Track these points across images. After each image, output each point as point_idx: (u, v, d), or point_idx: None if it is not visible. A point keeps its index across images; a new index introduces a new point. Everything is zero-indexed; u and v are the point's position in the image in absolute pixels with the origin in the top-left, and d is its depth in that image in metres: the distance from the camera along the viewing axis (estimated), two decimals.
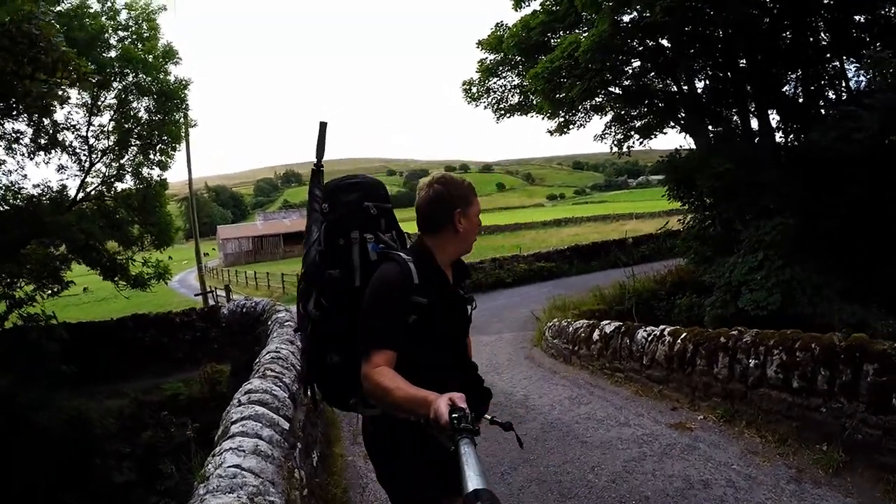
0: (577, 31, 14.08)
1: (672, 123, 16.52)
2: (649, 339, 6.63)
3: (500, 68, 17.28)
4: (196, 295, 21.17)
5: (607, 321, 8.04)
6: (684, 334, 6.08)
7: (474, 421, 1.68)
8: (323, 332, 2.29)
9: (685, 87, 15.36)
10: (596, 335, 7.89)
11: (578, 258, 23.59)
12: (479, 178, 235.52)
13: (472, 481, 1.43)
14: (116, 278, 15.90)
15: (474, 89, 17.99)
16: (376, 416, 2.29)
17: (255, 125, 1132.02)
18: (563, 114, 15.33)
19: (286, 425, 3.60)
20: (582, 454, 5.03)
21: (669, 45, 14.15)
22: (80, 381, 12.93)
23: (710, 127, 15.45)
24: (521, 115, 18.40)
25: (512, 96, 18.07)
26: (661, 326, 6.75)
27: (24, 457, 10.35)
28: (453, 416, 1.66)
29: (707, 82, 15.20)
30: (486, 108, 18.40)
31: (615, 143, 17.53)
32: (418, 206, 2.35)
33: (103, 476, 10.41)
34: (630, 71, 15.22)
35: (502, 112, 18.35)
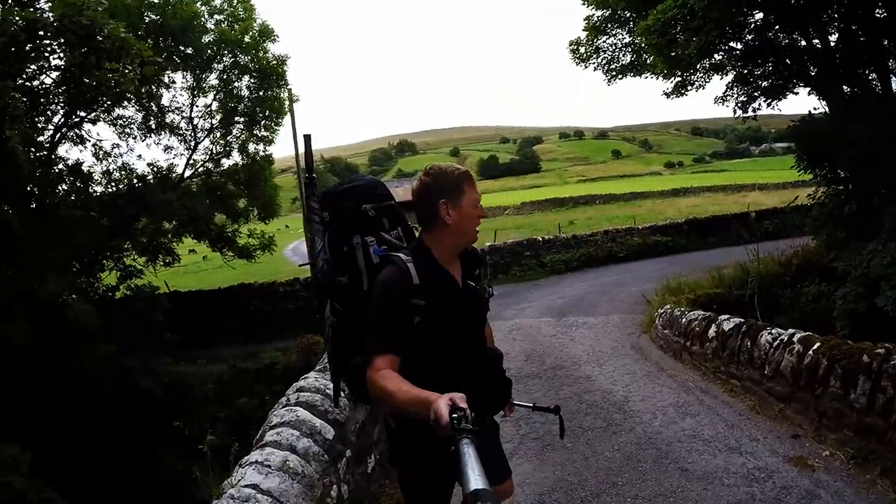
0: None
1: (802, 84, 14.47)
2: (775, 344, 5.57)
3: (609, 25, 15.96)
4: (300, 265, 21.45)
5: (726, 316, 7.00)
6: (817, 344, 4.99)
7: (475, 421, 1.64)
8: (342, 335, 2.31)
9: (816, 42, 13.45)
10: (712, 331, 6.90)
11: (696, 233, 22.30)
12: (595, 144, 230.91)
13: (473, 481, 1.40)
14: (224, 249, 16.36)
15: (582, 49, 16.72)
16: (391, 415, 2.31)
17: (368, 96, 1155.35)
18: (679, 73, 13.82)
19: (331, 433, 3.24)
20: (680, 486, 4.24)
21: None
22: (185, 346, 13.48)
23: (845, 88, 13.53)
24: (633, 76, 16.98)
25: (623, 56, 16.69)
26: (791, 330, 5.64)
27: (129, 417, 10.80)
28: (453, 416, 1.64)
29: (840, 36, 13.20)
30: (595, 69, 17.11)
31: (738, 105, 15.53)
32: (412, 200, 2.33)
33: (199, 438, 10.72)
34: (753, 24, 13.52)
35: (613, 73, 17.01)
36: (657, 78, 16.29)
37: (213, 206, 16.81)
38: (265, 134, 17.21)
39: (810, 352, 4.99)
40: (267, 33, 16.41)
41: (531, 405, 2.57)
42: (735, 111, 15.39)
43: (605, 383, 7.05)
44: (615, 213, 45.32)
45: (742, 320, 6.56)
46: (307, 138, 2.68)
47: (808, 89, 14.38)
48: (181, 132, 16.68)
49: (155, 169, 16.23)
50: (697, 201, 49.21)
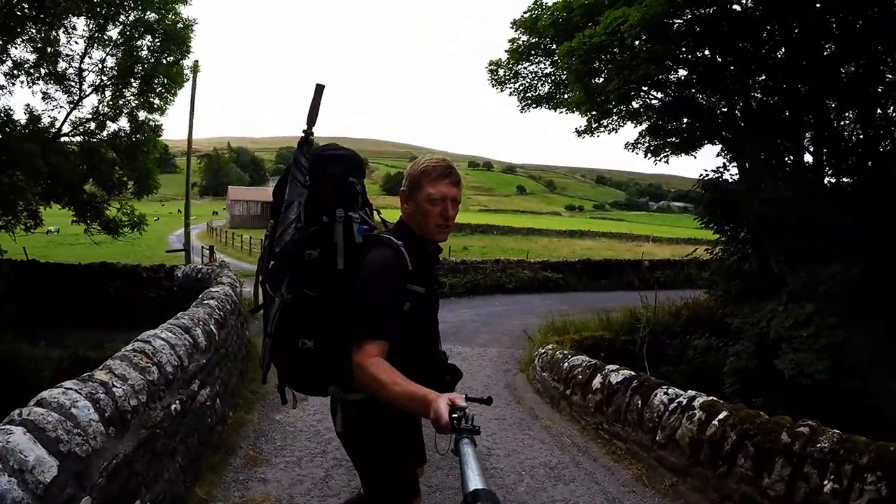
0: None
1: (712, 142, 14.79)
2: (671, 407, 4.94)
3: (533, 53, 15.74)
4: (168, 251, 19.91)
5: (614, 367, 6.38)
6: (724, 413, 4.40)
7: (474, 421, 1.66)
8: (296, 316, 2.15)
9: (737, 105, 13.79)
10: (597, 382, 6.22)
11: (588, 274, 22.30)
12: (502, 178, 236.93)
13: (473, 481, 1.40)
14: (89, 220, 14.80)
15: (501, 72, 16.38)
16: (359, 401, 2.19)
17: (282, 92, 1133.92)
18: (595, 108, 13.50)
19: (53, 471, 2.14)
20: None
21: (721, 59, 12.70)
22: (29, 322, 11.95)
23: (760, 153, 13.52)
24: (549, 108, 16.82)
25: (542, 85, 16.52)
26: (690, 393, 5.04)
27: None
28: (453, 416, 1.65)
29: (758, 104, 13.41)
30: (511, 94, 16.87)
31: (648, 151, 16.01)
32: None
33: None
34: (676, 79, 13.78)
35: (529, 102, 16.79)
36: (572, 112, 16.29)
37: (88, 172, 15.21)
38: (158, 103, 15.76)
39: (715, 421, 4.41)
40: None
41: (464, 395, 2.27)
42: (646, 155, 15.77)
43: None
44: (511, 245, 45.80)
45: (633, 374, 5.94)
46: (320, 88, 2.37)
47: (718, 147, 14.47)
48: (68, 82, 15.02)
49: (29, 116, 14.59)
50: (592, 245, 50.59)
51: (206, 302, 5.47)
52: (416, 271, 2.14)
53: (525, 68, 16.22)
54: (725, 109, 14.01)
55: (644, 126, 15.52)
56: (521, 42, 15.60)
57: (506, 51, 15.93)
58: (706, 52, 12.57)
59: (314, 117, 2.36)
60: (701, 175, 13.61)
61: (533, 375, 8.40)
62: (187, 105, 19.66)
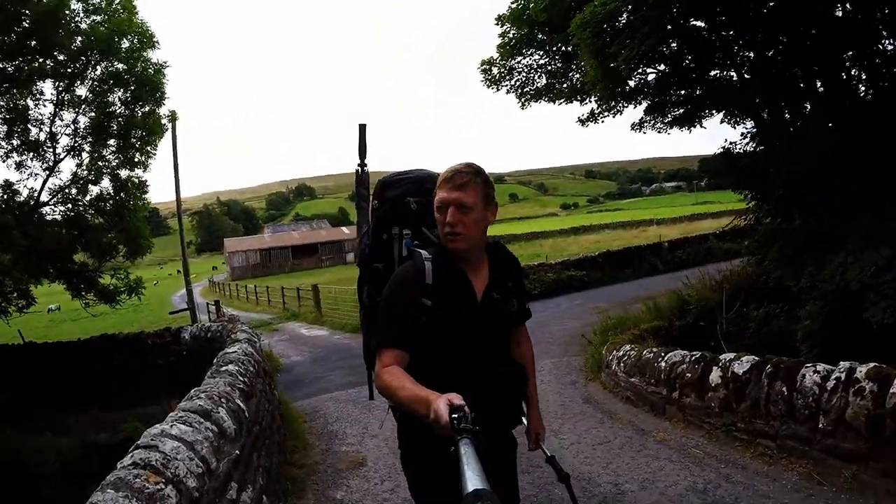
0: None
1: (716, 111, 14.34)
2: (828, 385, 4.06)
3: (525, 47, 14.84)
4: (171, 313, 18.74)
5: (730, 355, 5.43)
6: None
7: (475, 421, 1.61)
8: (373, 320, 2.32)
9: (741, 67, 12.93)
10: (716, 377, 5.29)
11: (610, 266, 21.37)
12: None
13: (472, 481, 1.36)
14: (83, 292, 13.76)
15: (495, 70, 15.41)
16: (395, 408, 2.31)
17: (265, 139, 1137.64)
18: (611, 84, 12.53)
19: None
20: None
21: (706, 26, 12.00)
22: (28, 411, 10.92)
23: (764, 114, 13.05)
24: (548, 100, 15.88)
25: (539, 77, 15.51)
26: (843, 364, 4.16)
27: None
28: (453, 416, 1.63)
29: (761, 62, 12.45)
30: (508, 91, 15.83)
31: (657, 131, 15.44)
32: None
33: None
34: (667, 52, 12.72)
35: (528, 97, 15.80)
36: (570, 102, 15.66)
37: (75, 240, 14.19)
38: (140, 158, 14.78)
39: (893, 389, 3.54)
40: (147, 39, 14.14)
41: (547, 454, 2.32)
42: (657, 129, 15.28)
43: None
44: (518, 252, 44.58)
45: (757, 358, 5.01)
46: (362, 127, 2.81)
47: (721, 115, 14.30)
48: (41, 149, 14.09)
49: (4, 188, 13.65)
50: (599, 238, 50.03)
51: (224, 368, 4.46)
52: (438, 284, 2.15)
53: (519, 62, 15.26)
54: (728, 75, 13.26)
55: (645, 104, 14.64)
56: (511, 35, 14.65)
57: (497, 46, 14.98)
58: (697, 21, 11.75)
59: (363, 152, 2.78)
60: (723, 146, 13.02)
61: (612, 383, 7.45)
62: (170, 163, 18.76)
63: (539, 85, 15.58)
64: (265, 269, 70.49)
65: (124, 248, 14.44)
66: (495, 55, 15.17)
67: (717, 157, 13.15)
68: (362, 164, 2.82)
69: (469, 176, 2.17)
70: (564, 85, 15.38)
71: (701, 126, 15.02)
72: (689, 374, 5.70)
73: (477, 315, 2.21)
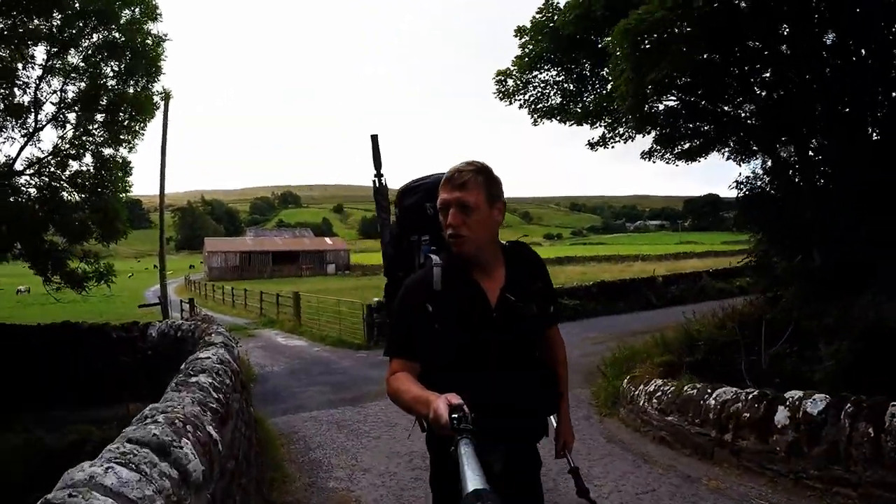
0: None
1: (724, 146, 14.10)
2: None
3: (542, 62, 14.19)
4: (141, 307, 17.55)
5: (798, 393, 4.78)
6: None
7: (475, 421, 1.58)
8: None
9: (746, 104, 12.85)
10: (782, 417, 4.65)
11: (605, 297, 20.81)
12: None
13: (472, 481, 1.34)
14: (50, 273, 12.67)
15: (510, 82, 14.71)
16: None
17: (254, 143, 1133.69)
18: (639, 106, 11.82)
19: None
20: None
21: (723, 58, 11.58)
22: None
23: (782, 150, 12.80)
24: (559, 121, 15.22)
25: (554, 95, 14.85)
26: None
27: None
28: (453, 416, 1.60)
29: (768, 102, 12.40)
30: (521, 106, 15.11)
31: (665, 161, 15.22)
32: None
33: None
34: (680, 84, 12.27)
35: (540, 113, 15.11)
36: (580, 125, 15.22)
37: (47, 217, 13.04)
38: (126, 137, 13.73)
39: None
40: (150, 10, 13.14)
41: (573, 465, 2.41)
42: (667, 161, 15.18)
43: None
44: None
45: (835, 397, 4.45)
46: (374, 137, 2.80)
47: (725, 151, 14.15)
48: (24, 114, 13.00)
49: None
50: (585, 269, 49.47)
51: (194, 380, 3.46)
52: (447, 290, 2.08)
53: (535, 77, 14.61)
54: (732, 111, 13.13)
55: (653, 134, 14.31)
56: (530, 48, 14.00)
57: (515, 58, 14.31)
58: (710, 54, 11.35)
59: (378, 163, 2.81)
60: (736, 183, 12.92)
61: (639, 420, 6.76)
62: (159, 156, 17.78)
63: (553, 103, 14.96)
64: (244, 273, 68.98)
65: (98, 231, 13.26)
66: (511, 67, 14.46)
67: (742, 198, 12.80)
68: (378, 175, 2.80)
69: (470, 174, 2.08)
70: (578, 107, 14.84)
71: (705, 159, 14.90)
72: (746, 414, 5.06)
73: (491, 320, 2.10)
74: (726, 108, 13.04)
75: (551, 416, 2.47)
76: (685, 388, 6.11)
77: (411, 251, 2.46)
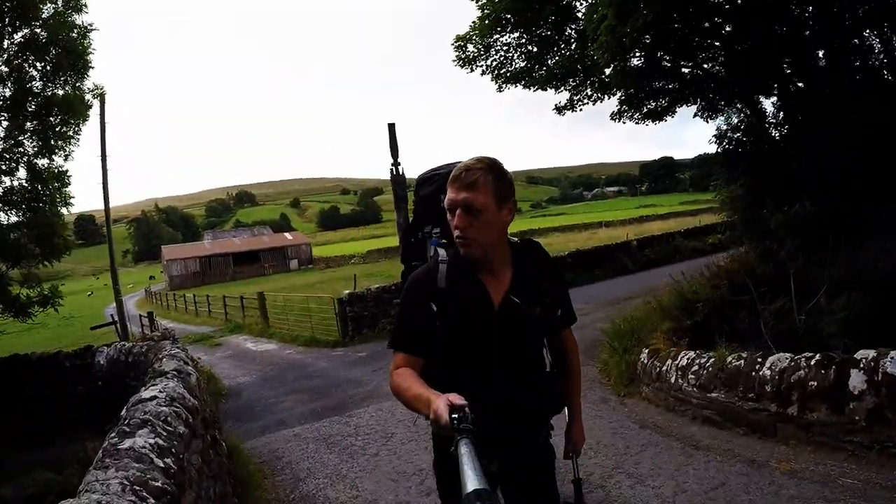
0: None
1: (688, 103, 13.79)
2: None
3: (501, 25, 13.40)
4: (93, 328, 16.27)
5: (872, 352, 4.20)
6: None
7: (475, 421, 1.58)
8: None
9: (713, 61, 12.71)
10: (858, 382, 4.11)
11: (582, 265, 20.46)
12: None
13: (472, 481, 1.33)
14: None
15: (470, 48, 13.94)
16: None
17: (203, 146, 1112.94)
18: (624, 58, 11.03)
19: None
20: None
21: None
22: None
23: (742, 107, 12.83)
24: (524, 86, 14.62)
25: (518, 59, 14.17)
26: None
27: None
28: (453, 416, 1.59)
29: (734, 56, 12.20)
30: (484, 72, 14.46)
31: (634, 122, 14.75)
32: None
33: None
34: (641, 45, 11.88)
35: (504, 79, 14.48)
36: (545, 90, 14.69)
37: None
38: (59, 143, 12.49)
39: None
40: (74, 1, 11.89)
41: (577, 478, 2.44)
42: (635, 121, 14.86)
43: None
44: None
45: None
46: (392, 126, 1.16)
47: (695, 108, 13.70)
48: None
49: None
50: (549, 241, 49.08)
51: (128, 445, 2.52)
52: (451, 289, 2.05)
53: (496, 41, 13.78)
54: (696, 69, 12.99)
55: (619, 95, 13.97)
56: (489, 10, 13.15)
57: (473, 21, 13.52)
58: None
59: (395, 151, 3.72)
60: (715, 137, 12.48)
61: (673, 399, 6.15)
62: (103, 167, 16.52)
63: (517, 67, 14.25)
64: (205, 278, 67.27)
65: (36, 249, 12.00)
66: (470, 31, 13.64)
67: (723, 152, 12.50)
68: (395, 164, 2.58)
69: (479, 173, 1.99)
70: (542, 70, 14.23)
71: (672, 117, 14.65)
72: (813, 383, 4.48)
73: (493, 322, 2.04)
74: (691, 64, 12.79)
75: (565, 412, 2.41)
76: (728, 359, 5.48)
77: (425, 241, 2.45)
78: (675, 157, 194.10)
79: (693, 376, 5.78)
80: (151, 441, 2.52)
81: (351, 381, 9.60)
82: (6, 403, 10.15)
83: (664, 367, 6.30)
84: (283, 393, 9.70)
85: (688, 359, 5.99)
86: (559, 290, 2.25)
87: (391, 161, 1.92)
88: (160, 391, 3.43)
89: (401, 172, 2.21)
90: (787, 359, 4.89)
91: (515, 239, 2.21)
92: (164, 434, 2.64)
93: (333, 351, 13.27)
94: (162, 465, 2.36)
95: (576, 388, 2.42)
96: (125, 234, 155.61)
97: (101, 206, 16.99)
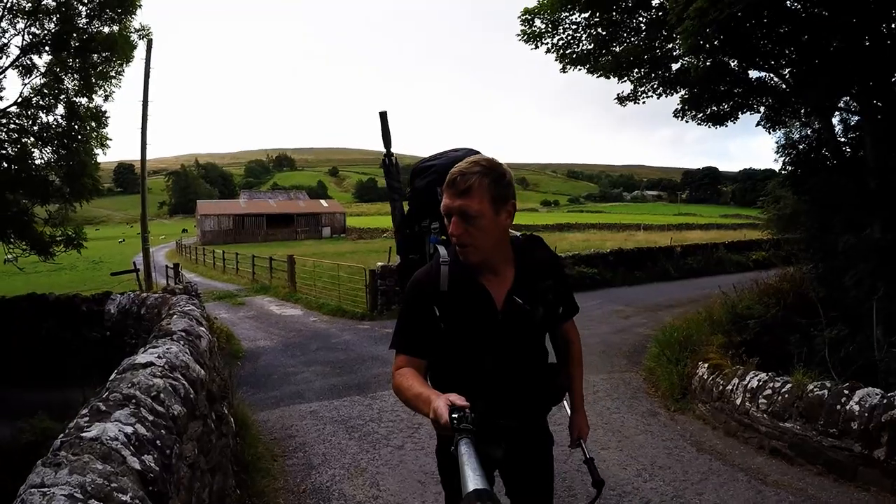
0: None
1: (751, 111, 13.30)
2: None
3: (570, 3, 12.55)
4: (113, 274, 15.87)
5: None
6: None
7: (475, 421, 1.55)
8: None
9: (778, 75, 12.04)
10: None
11: (624, 266, 19.59)
12: None
13: (472, 481, 1.30)
14: (12, 237, 11.13)
15: (538, 23, 12.92)
16: None
17: (249, 106, 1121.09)
18: (704, 48, 10.40)
19: None
20: None
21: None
22: None
23: (809, 121, 12.21)
24: (587, 71, 13.72)
25: (586, 40, 13.13)
26: None
27: None
28: (453, 416, 1.56)
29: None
30: (549, 50, 13.41)
31: (697, 122, 13.81)
32: None
33: None
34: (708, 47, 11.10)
35: (569, 60, 13.41)
36: (608, 77, 13.84)
37: (16, 177, 11.35)
38: (100, 83, 12.04)
39: None
40: None
41: (588, 457, 2.31)
42: (698, 123, 14.04)
43: None
44: None
45: None
46: (383, 114, 2.63)
47: (758, 116, 13.25)
48: None
49: None
50: (587, 237, 48.66)
51: (93, 434, 1.91)
52: (453, 292, 2.01)
53: (566, 18, 12.94)
54: (765, 76, 12.40)
55: (682, 93, 13.52)
56: None
57: None
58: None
59: (388, 141, 2.63)
60: (782, 148, 12.15)
61: (735, 423, 5.54)
62: (143, 112, 16.09)
63: (584, 48, 13.40)
64: (237, 237, 67.45)
65: (62, 183, 11.54)
66: (539, 6, 12.83)
67: (706, 170, 13.07)
68: (389, 154, 2.63)
69: (474, 177, 1.92)
70: (608, 57, 13.41)
71: (734, 123, 13.84)
72: None
73: (496, 323, 2.03)
74: (762, 70, 12.14)
75: (565, 403, 2.43)
76: (810, 387, 4.80)
77: (422, 235, 2.41)
78: (721, 168, 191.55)
79: (764, 401, 5.11)
80: (129, 430, 1.93)
81: (376, 359, 9.06)
82: (21, 342, 9.80)
83: (729, 387, 5.61)
84: (304, 363, 9.20)
85: (759, 381, 5.31)
86: (561, 286, 2.22)
87: (384, 152, 1.59)
88: (159, 356, 2.85)
89: (395, 163, 1.81)
90: (877, 395, 4.32)
91: (517, 234, 2.16)
92: (150, 419, 2.08)
93: (360, 324, 12.78)
94: (138, 466, 1.79)
95: (577, 378, 2.41)
96: (163, 187, 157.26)
97: (138, 157, 16.57)
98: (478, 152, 2.31)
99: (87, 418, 1.94)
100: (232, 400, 5.26)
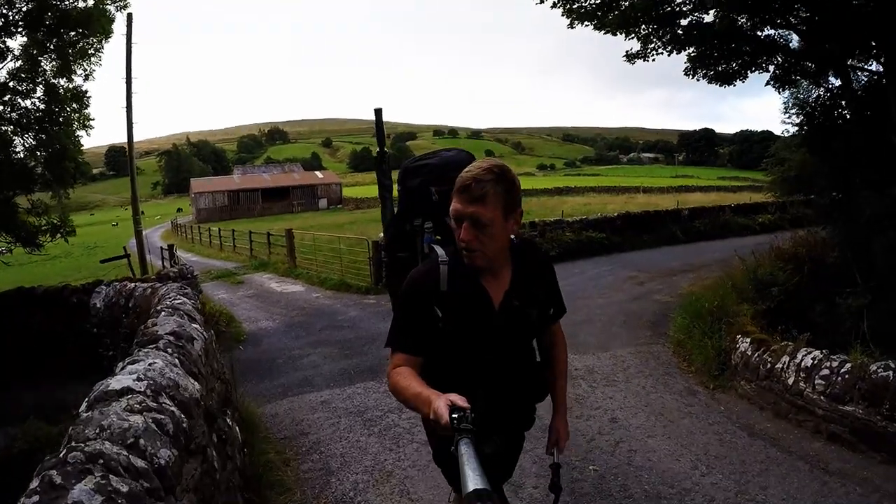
0: None
1: (761, 70, 13.20)
2: None
3: None
4: (103, 261, 15.28)
5: None
6: None
7: (475, 421, 1.53)
8: None
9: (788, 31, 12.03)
10: None
11: (631, 230, 19.30)
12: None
13: (472, 481, 1.30)
14: None
15: None
16: None
17: (239, 80, 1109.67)
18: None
19: None
20: None
21: None
22: None
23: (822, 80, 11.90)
24: (595, 27, 13.13)
25: None
26: None
27: None
28: (453, 416, 1.54)
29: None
30: (555, 5, 12.78)
31: (707, 80, 13.74)
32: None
33: None
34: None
35: (577, 15, 12.90)
36: (615, 34, 13.42)
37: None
38: (77, 61, 11.37)
39: None
40: None
41: (556, 464, 2.31)
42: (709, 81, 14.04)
43: None
44: None
45: None
46: (378, 112, 2.72)
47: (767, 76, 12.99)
48: None
49: None
50: (587, 200, 48.26)
51: None
52: (453, 292, 2.00)
53: None
54: (772, 33, 12.33)
55: (689, 51, 13.33)
56: None
57: None
58: None
59: (381, 138, 2.75)
60: (796, 107, 11.92)
61: (781, 402, 5.18)
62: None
63: (592, 3, 12.91)
64: (233, 213, 66.82)
65: (43, 168, 10.91)
66: None
67: (703, 132, 12.31)
68: (382, 152, 2.73)
69: (489, 185, 1.90)
70: (616, 12, 12.91)
71: (742, 82, 13.74)
72: None
73: (493, 324, 2.05)
74: (775, 26, 12.03)
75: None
76: (872, 367, 4.35)
77: (414, 234, 2.37)
78: (717, 130, 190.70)
79: (822, 382, 4.67)
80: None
81: (385, 337, 8.57)
82: (14, 340, 9.30)
83: (779, 365, 5.14)
84: (310, 344, 8.75)
85: (813, 359, 4.85)
86: (552, 288, 2.25)
87: (376, 149, 1.41)
88: (139, 377, 2.30)
89: (387, 160, 1.60)
90: None
91: (513, 237, 2.12)
92: (125, 489, 1.52)
93: (365, 298, 12.32)
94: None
95: (561, 381, 2.39)
96: (156, 167, 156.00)
97: (135, 138, 15.91)
98: (471, 154, 2.36)
99: (35, 496, 1.38)
100: (235, 397, 4.76)
